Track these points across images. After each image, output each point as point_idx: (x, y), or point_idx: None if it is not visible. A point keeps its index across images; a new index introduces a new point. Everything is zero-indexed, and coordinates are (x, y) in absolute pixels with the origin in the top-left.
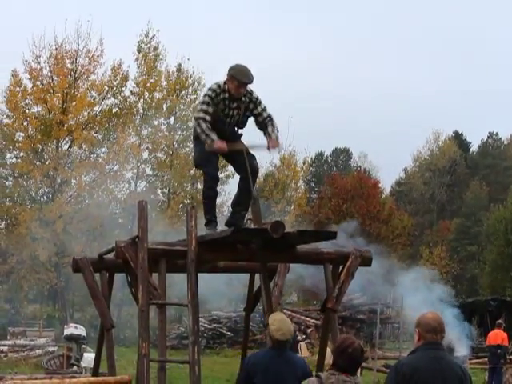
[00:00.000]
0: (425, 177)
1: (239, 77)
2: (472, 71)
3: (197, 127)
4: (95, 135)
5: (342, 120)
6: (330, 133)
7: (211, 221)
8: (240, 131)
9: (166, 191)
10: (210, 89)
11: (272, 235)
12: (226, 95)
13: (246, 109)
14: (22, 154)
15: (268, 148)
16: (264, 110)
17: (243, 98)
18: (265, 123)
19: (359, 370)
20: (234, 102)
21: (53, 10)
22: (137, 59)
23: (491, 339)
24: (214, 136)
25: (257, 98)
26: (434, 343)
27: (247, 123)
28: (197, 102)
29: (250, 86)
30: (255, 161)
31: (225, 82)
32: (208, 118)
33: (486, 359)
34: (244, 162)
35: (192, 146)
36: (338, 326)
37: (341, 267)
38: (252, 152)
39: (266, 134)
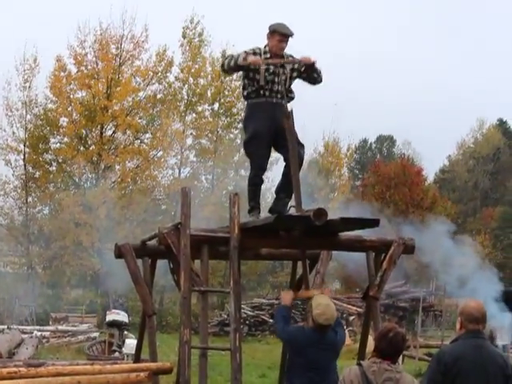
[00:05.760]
0: (468, 164)
1: (280, 29)
2: None
3: (225, 64)
4: (139, 121)
5: (386, 107)
6: (374, 119)
7: (254, 208)
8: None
9: (210, 177)
10: (249, 48)
11: (315, 222)
12: (268, 55)
13: (293, 70)
14: (65, 139)
15: (300, 62)
16: None
17: (286, 58)
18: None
19: (401, 359)
20: None
21: None
22: (181, 45)
23: None
24: (243, 54)
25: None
26: (476, 332)
27: (295, 95)
28: (241, 88)
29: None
30: (302, 149)
31: (265, 46)
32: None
33: None
34: (293, 149)
35: (236, 132)
36: (380, 313)
37: (383, 255)
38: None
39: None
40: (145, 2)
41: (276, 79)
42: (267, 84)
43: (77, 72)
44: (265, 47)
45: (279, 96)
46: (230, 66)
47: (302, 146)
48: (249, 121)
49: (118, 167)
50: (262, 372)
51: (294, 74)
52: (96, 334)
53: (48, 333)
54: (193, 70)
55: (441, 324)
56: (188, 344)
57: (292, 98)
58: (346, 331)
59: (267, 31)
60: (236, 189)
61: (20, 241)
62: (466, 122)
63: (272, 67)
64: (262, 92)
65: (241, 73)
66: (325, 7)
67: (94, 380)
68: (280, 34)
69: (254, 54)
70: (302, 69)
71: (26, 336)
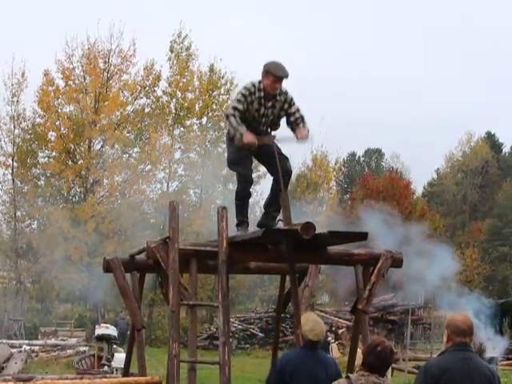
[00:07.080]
0: (457, 178)
1: (274, 71)
2: (505, 71)
3: (226, 123)
4: (127, 135)
5: (374, 121)
6: (362, 133)
7: (243, 222)
8: (273, 133)
9: (198, 191)
10: (244, 87)
11: (303, 236)
12: (262, 94)
13: (281, 109)
14: (54, 153)
15: (297, 138)
16: (298, 110)
17: (278, 98)
18: (297, 122)
19: (390, 372)
20: (270, 100)
21: (86, 9)
22: (169, 59)
23: None
24: (242, 129)
25: (291, 99)
26: (463, 345)
27: (280, 125)
28: (229, 102)
29: (284, 87)
30: (288, 162)
31: (260, 82)
32: (237, 114)
33: None
34: (276, 164)
35: (225, 146)
36: (368, 327)
37: (371, 268)
38: (282, 144)
39: (296, 128)
40: (132, 16)
41: (263, 120)
42: (254, 122)
43: (65, 86)
44: (259, 83)
45: (264, 129)
46: (230, 128)
47: (286, 158)
48: (232, 141)
49: (106, 181)
50: None
51: (282, 114)
52: (85, 348)
53: (37, 347)
54: (181, 84)
55: (430, 337)
56: (177, 358)
57: (277, 129)
58: (335, 344)
59: (262, 69)
60: (224, 202)
61: (8, 255)
62: (454, 135)
63: (262, 109)
64: (249, 122)
65: (229, 87)
66: (312, 22)
67: None
68: (274, 76)
69: (250, 94)
70: (289, 111)
71: (15, 350)
